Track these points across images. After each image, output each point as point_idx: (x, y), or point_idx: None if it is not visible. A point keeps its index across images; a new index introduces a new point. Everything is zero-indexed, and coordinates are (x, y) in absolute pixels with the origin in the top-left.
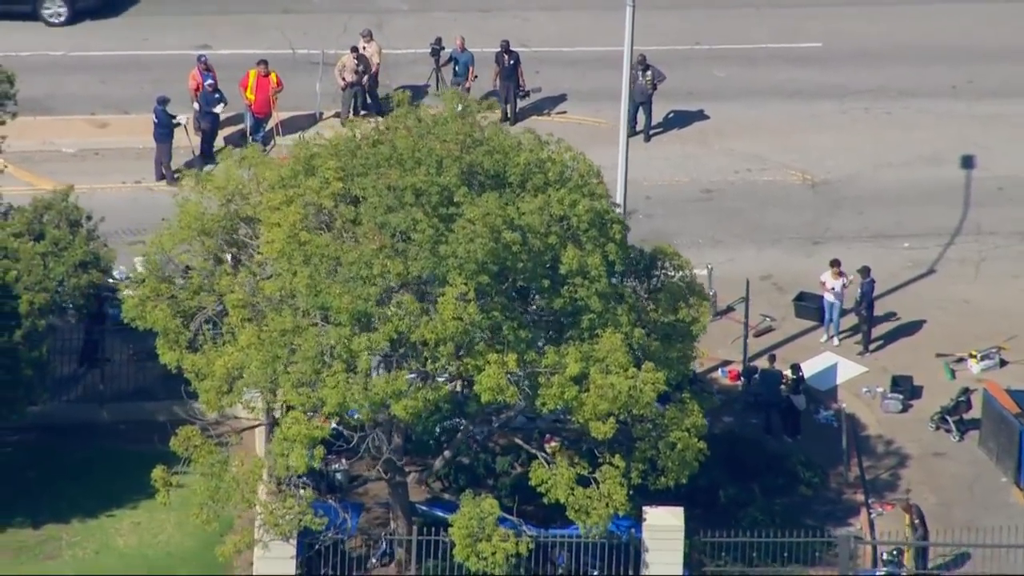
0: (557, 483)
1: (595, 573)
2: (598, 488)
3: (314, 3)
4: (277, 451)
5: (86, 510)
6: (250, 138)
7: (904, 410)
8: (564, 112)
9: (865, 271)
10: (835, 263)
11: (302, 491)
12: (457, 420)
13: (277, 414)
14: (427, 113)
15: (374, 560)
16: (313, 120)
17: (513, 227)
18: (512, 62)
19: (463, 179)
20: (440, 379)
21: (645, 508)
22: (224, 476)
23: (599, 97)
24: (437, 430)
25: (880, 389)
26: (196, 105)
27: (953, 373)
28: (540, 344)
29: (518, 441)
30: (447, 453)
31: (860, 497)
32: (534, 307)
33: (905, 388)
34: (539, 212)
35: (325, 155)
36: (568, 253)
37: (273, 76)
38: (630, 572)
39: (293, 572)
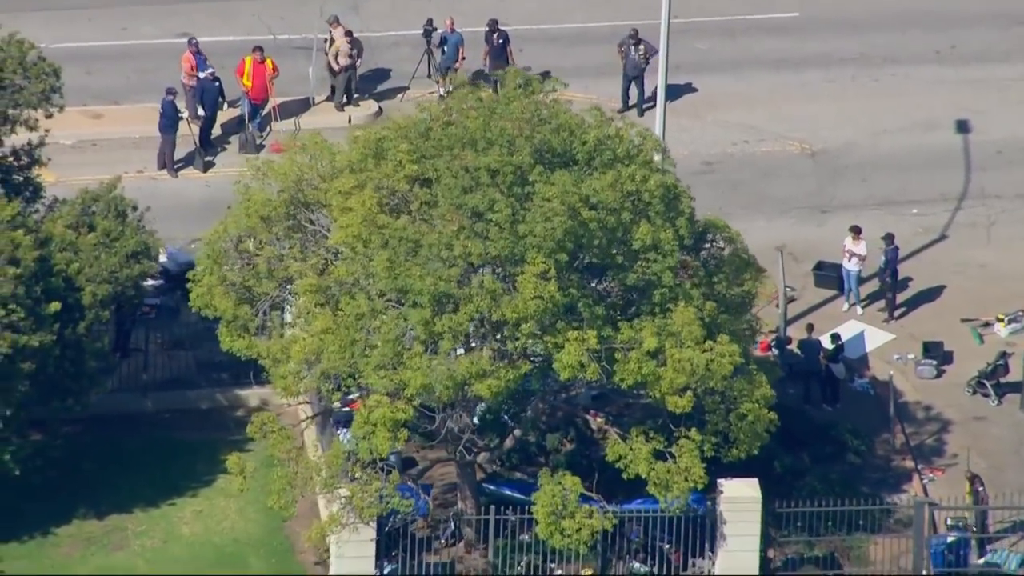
0: (637, 458)
1: (666, 547)
2: (675, 462)
3: None
4: (359, 434)
5: (147, 500)
6: (248, 125)
7: (938, 376)
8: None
9: (889, 238)
10: (856, 229)
11: (389, 474)
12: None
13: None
14: (487, 93)
15: (441, 541)
16: (306, 105)
17: (589, 204)
18: (501, 41)
19: (535, 158)
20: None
21: (720, 480)
22: (304, 461)
23: (584, 74)
24: (503, 409)
25: (911, 356)
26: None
27: (981, 337)
28: (613, 320)
29: (586, 417)
30: (517, 432)
31: (909, 463)
32: (602, 284)
33: (937, 354)
34: (612, 188)
35: (395, 138)
36: (642, 228)
37: (269, 62)
38: (706, 545)
39: (372, 555)
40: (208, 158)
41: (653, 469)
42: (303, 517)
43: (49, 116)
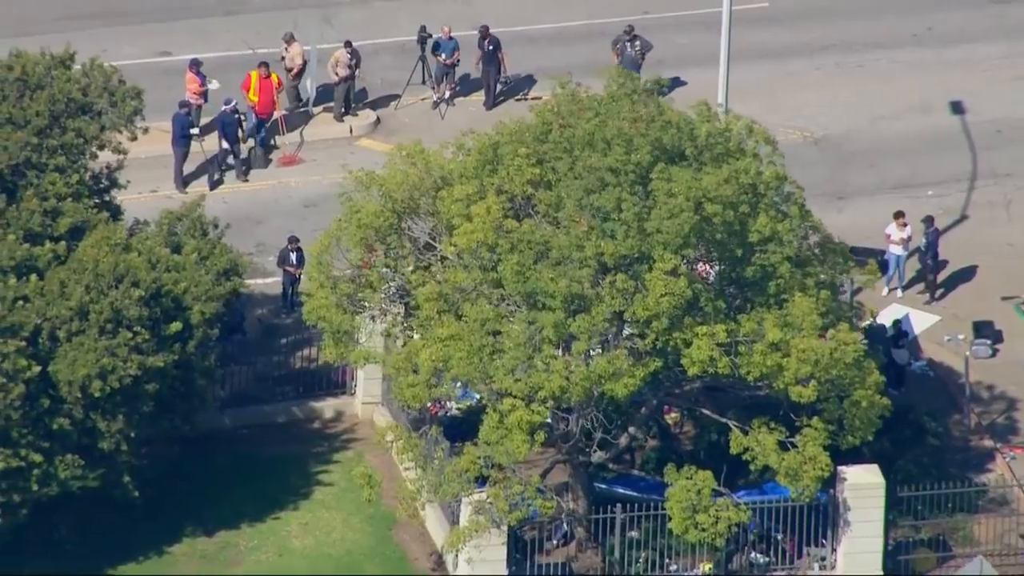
0: (765, 450)
1: (779, 536)
2: (800, 452)
3: (252, 3)
4: (493, 438)
5: (251, 515)
6: (253, 140)
7: (993, 355)
8: (538, 97)
9: (929, 220)
10: (899, 215)
11: (529, 476)
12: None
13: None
14: (588, 93)
15: (554, 542)
16: (306, 116)
17: (711, 199)
18: (492, 47)
19: (654, 156)
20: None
21: (841, 468)
22: (444, 468)
23: (571, 73)
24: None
25: (962, 336)
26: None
27: None
28: (731, 313)
29: (706, 412)
30: (631, 429)
31: (987, 443)
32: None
33: (989, 333)
34: (728, 182)
35: (511, 142)
36: (760, 220)
37: (274, 76)
38: (819, 533)
39: (504, 558)
40: (217, 176)
41: (783, 460)
42: (406, 525)
43: (134, 138)
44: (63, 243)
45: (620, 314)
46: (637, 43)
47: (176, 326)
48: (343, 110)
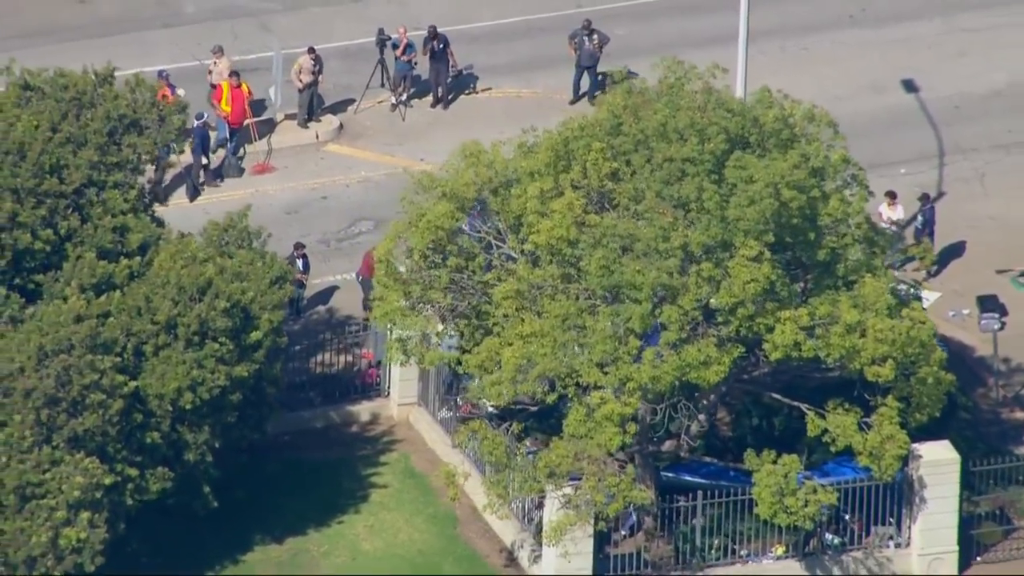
0: (845, 431)
1: (847, 517)
2: (878, 431)
3: (187, 15)
4: (581, 432)
5: (315, 520)
6: (223, 149)
7: (1002, 328)
8: (489, 88)
9: (925, 198)
10: (891, 194)
11: (627, 467)
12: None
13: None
14: (644, 84)
15: (623, 532)
16: (271, 124)
17: (788, 184)
18: (441, 46)
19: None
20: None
21: (915, 445)
22: (535, 464)
23: (517, 68)
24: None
25: (966, 311)
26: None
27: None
28: (803, 297)
29: (775, 396)
30: (701, 417)
31: (1018, 415)
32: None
33: (995, 306)
34: (800, 167)
35: (583, 137)
36: (832, 203)
37: (245, 86)
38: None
39: (591, 551)
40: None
41: (866, 440)
42: (469, 523)
43: (181, 152)
44: (137, 258)
45: (706, 302)
46: (595, 36)
47: (256, 335)
48: (307, 116)
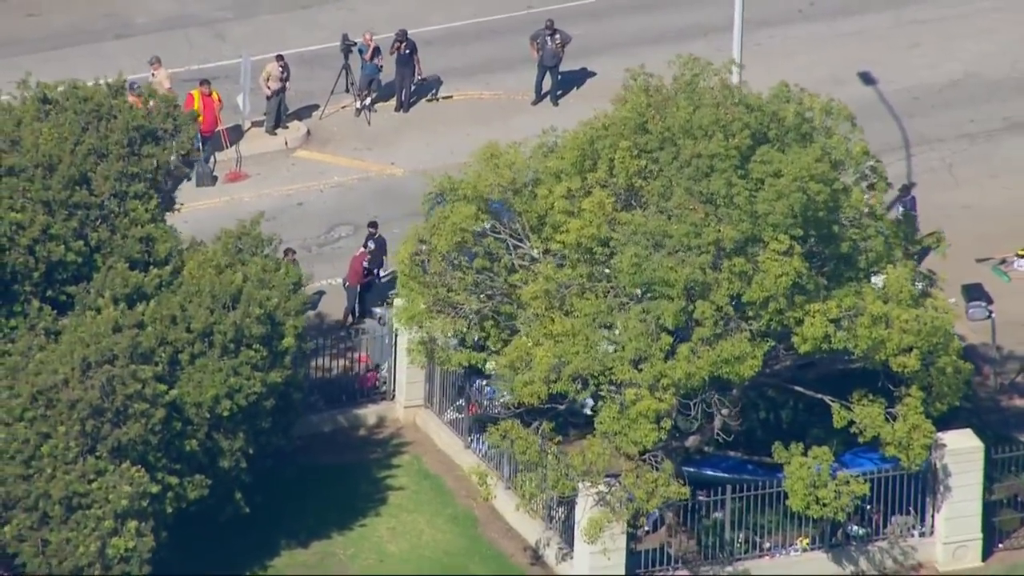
0: (873, 422)
1: (868, 507)
2: (904, 421)
3: (138, 25)
4: (615, 428)
5: (337, 524)
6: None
7: (989, 316)
8: (450, 97)
9: (905, 188)
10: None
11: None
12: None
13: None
14: (661, 82)
15: (646, 528)
16: (239, 132)
17: (813, 178)
18: (408, 51)
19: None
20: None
21: (939, 434)
22: (573, 463)
23: (475, 71)
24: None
25: (952, 300)
26: None
27: (1005, 274)
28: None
29: (799, 389)
30: (724, 411)
31: (1017, 402)
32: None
33: (981, 295)
34: (822, 161)
35: (609, 136)
36: (855, 195)
37: (215, 94)
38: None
39: (624, 547)
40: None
41: (895, 430)
42: (491, 522)
43: (192, 162)
44: (166, 268)
45: (737, 297)
46: (557, 36)
47: (288, 342)
48: (275, 123)
